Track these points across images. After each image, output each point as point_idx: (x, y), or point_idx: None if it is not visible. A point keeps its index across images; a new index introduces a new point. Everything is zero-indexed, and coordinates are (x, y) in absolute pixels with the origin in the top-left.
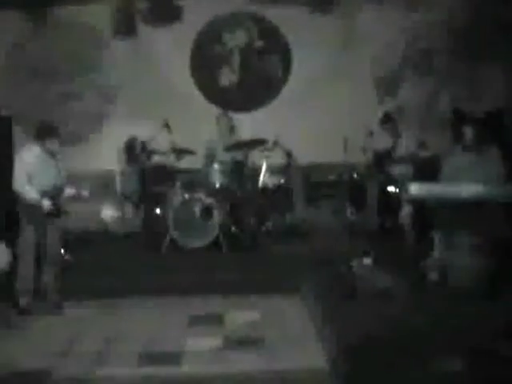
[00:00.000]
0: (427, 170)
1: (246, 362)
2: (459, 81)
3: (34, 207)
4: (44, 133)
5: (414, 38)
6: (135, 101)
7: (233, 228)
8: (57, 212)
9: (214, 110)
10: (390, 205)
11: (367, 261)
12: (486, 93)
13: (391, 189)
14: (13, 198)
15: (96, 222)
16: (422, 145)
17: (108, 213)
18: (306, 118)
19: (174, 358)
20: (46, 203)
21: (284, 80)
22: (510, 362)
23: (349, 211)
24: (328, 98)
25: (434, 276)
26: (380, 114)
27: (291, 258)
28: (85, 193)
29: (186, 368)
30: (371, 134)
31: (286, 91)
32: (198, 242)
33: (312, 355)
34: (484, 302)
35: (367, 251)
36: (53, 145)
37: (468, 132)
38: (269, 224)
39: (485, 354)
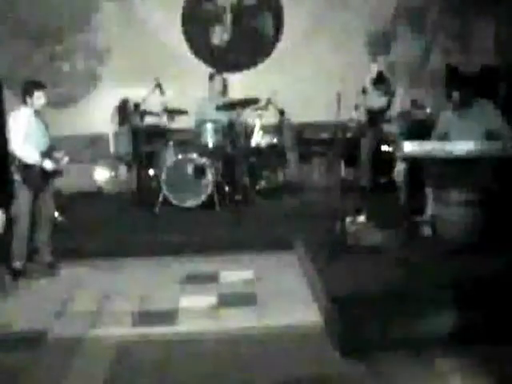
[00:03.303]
0: (421, 128)
1: (240, 319)
2: (452, 36)
3: (31, 169)
4: (31, 87)
5: None
6: (126, 61)
7: (226, 187)
8: (58, 171)
9: (207, 70)
10: (383, 162)
11: (360, 218)
12: (479, 48)
13: (385, 147)
14: (5, 160)
15: (89, 183)
16: (415, 103)
17: (101, 174)
18: (299, 76)
19: (168, 316)
20: (48, 162)
21: (276, 38)
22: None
23: (342, 168)
24: (321, 55)
25: (427, 231)
26: (373, 72)
27: (284, 215)
28: (65, 159)
29: (180, 326)
30: (364, 91)
31: (279, 49)
32: (191, 202)
33: (306, 311)
34: (475, 254)
35: (360, 209)
36: (40, 99)
37: (456, 94)
38: (262, 182)
39: (476, 306)
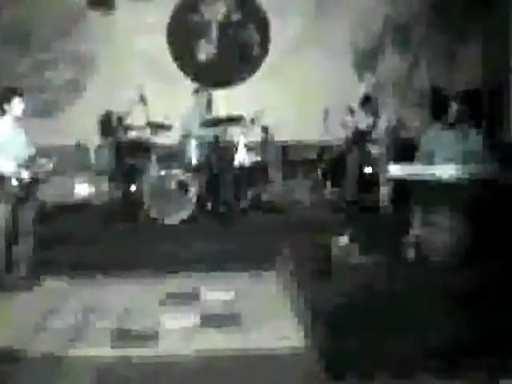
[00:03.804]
0: (406, 150)
1: (222, 339)
2: (438, 57)
3: (8, 181)
4: (8, 94)
5: (393, 10)
6: (111, 72)
7: (209, 204)
8: (35, 182)
9: (192, 84)
10: (368, 183)
11: (343, 240)
12: (465, 70)
13: (370, 167)
14: None
15: (70, 196)
16: (401, 125)
17: (82, 187)
18: (285, 93)
19: (149, 336)
20: (25, 173)
21: (262, 55)
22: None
23: (327, 188)
24: (307, 73)
25: (411, 252)
26: (360, 91)
27: (268, 233)
28: (49, 165)
29: (161, 346)
30: (351, 111)
31: (265, 66)
32: (174, 218)
33: (289, 331)
34: (460, 274)
35: (343, 231)
36: (17, 106)
37: (452, 108)
38: (245, 200)
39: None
